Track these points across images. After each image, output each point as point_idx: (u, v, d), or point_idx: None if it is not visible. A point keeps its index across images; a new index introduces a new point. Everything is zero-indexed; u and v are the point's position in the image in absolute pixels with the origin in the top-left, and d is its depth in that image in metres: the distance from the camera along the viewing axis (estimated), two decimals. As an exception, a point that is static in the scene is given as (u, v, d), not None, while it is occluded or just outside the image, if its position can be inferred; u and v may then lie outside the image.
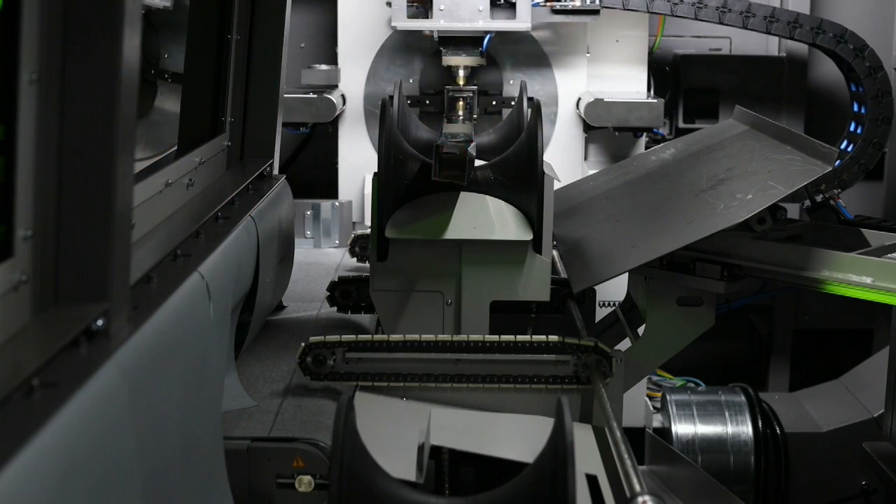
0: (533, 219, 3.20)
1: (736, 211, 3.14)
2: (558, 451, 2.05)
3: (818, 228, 3.65)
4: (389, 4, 4.66)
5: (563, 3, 4.76)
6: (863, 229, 3.59)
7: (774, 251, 3.29)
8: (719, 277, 3.30)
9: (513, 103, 4.79)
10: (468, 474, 3.52)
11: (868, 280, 3.14)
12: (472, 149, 3.19)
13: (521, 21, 4.58)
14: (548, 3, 4.75)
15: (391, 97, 3.58)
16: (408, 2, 4.58)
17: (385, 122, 3.15)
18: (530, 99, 3.81)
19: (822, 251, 3.24)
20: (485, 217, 3.21)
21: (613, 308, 4.03)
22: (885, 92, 4.82)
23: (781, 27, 4.82)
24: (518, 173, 3.24)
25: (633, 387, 3.53)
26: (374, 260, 3.26)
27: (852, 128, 5.02)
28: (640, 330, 3.61)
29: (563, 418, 2.08)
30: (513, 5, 4.60)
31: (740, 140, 3.69)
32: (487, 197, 3.23)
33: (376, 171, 3.17)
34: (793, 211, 5.04)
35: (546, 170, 3.24)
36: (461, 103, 4.64)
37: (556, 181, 3.40)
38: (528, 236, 3.21)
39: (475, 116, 4.69)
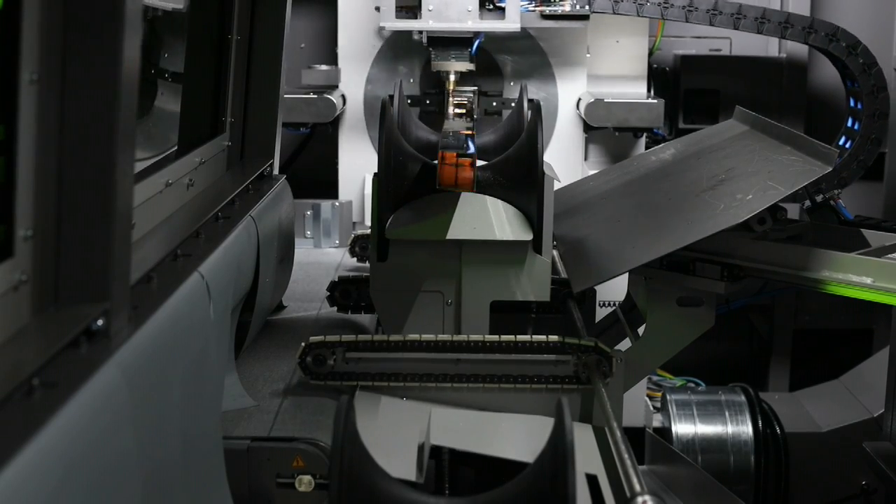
0: (533, 219, 3.20)
1: (736, 211, 3.14)
2: (558, 451, 2.05)
3: (818, 228, 3.65)
4: (378, 9, 4.65)
5: (552, 8, 4.75)
6: (863, 229, 3.59)
7: (774, 251, 3.29)
8: (719, 278, 3.30)
9: (513, 104, 4.79)
10: (468, 474, 3.52)
11: (868, 280, 3.14)
12: (474, 147, 3.19)
13: (511, 22, 4.56)
14: (537, 8, 4.75)
15: (391, 97, 3.58)
16: (397, 6, 4.56)
17: (385, 122, 3.15)
18: (530, 100, 3.81)
19: (822, 251, 3.24)
20: (485, 217, 3.21)
21: (613, 308, 4.03)
22: (881, 87, 4.81)
23: (772, 28, 4.82)
24: (518, 173, 3.24)
25: (633, 387, 3.53)
26: (374, 260, 3.26)
27: (850, 124, 5.02)
28: (640, 330, 3.60)
29: (563, 418, 2.08)
30: (501, 8, 4.58)
31: (740, 140, 3.69)
32: (488, 197, 3.23)
33: (376, 171, 3.17)
34: (793, 211, 5.04)
35: (546, 170, 3.24)
36: (464, 101, 4.63)
37: (556, 181, 3.40)
38: (529, 236, 3.21)
39: (476, 117, 4.68)
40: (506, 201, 3.24)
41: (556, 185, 3.59)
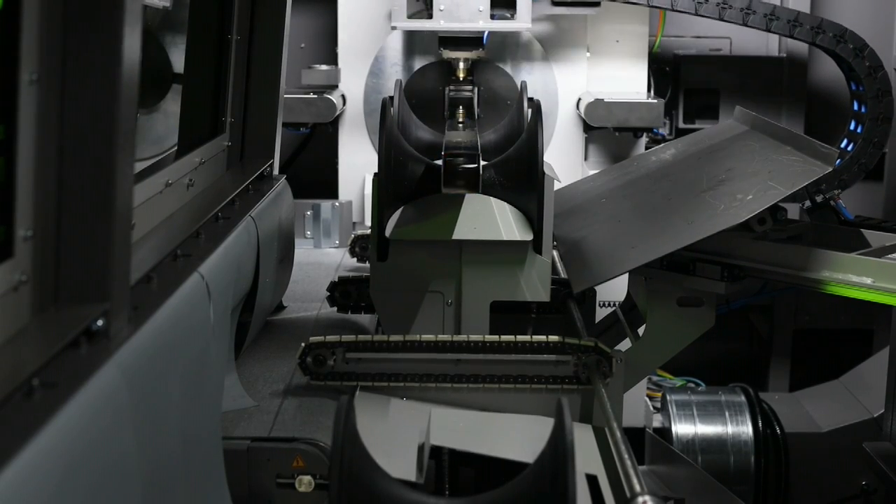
0: (533, 219, 3.20)
1: (736, 211, 3.14)
2: (558, 451, 2.05)
3: (818, 229, 3.65)
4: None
5: None
6: (863, 230, 3.59)
7: (774, 252, 3.29)
8: (719, 278, 3.30)
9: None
10: (468, 474, 3.52)
11: (868, 280, 3.14)
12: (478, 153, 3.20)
13: (522, 21, 4.57)
14: None
15: (391, 97, 3.58)
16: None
17: (385, 122, 3.15)
18: (530, 99, 3.80)
19: (822, 251, 3.24)
20: (485, 217, 3.21)
21: (613, 308, 4.03)
22: (886, 91, 4.81)
23: (781, 25, 4.82)
24: (518, 174, 3.24)
25: (633, 387, 3.53)
26: (374, 260, 3.26)
27: (852, 127, 5.02)
28: (640, 330, 3.61)
29: (563, 418, 2.07)
30: (512, 3, 4.59)
31: (740, 140, 3.69)
32: (488, 197, 3.23)
33: (376, 171, 3.17)
34: (793, 211, 5.03)
35: (546, 170, 3.24)
36: (461, 109, 4.62)
37: (556, 181, 3.40)
38: (529, 236, 3.20)
39: (478, 116, 4.68)
40: (506, 201, 3.24)
41: (556, 185, 3.59)
